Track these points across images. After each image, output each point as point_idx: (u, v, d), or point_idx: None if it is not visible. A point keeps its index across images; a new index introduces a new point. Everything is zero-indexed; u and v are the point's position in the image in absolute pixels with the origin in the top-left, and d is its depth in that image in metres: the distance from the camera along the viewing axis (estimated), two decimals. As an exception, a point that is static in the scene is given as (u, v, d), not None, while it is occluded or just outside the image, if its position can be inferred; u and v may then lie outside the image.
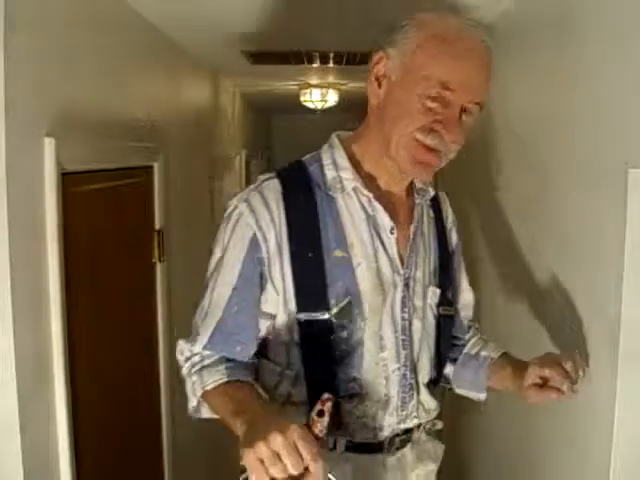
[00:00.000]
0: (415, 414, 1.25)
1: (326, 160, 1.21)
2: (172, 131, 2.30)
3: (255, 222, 1.14)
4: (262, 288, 1.17)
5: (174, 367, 2.20)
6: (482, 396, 1.31)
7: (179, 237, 2.34)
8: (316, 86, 3.86)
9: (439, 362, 1.30)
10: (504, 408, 1.84)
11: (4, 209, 1.10)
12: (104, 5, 1.61)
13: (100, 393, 1.61)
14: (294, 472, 0.88)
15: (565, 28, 1.40)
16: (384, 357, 1.19)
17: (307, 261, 1.15)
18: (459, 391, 1.35)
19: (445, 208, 1.35)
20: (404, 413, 1.23)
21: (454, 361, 1.34)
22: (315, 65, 2.98)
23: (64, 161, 1.28)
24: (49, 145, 1.23)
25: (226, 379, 1.14)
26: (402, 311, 1.21)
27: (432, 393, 1.29)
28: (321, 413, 0.92)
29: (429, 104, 1.11)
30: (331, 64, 2.97)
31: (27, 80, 1.18)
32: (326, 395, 0.94)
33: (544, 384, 1.14)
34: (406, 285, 1.21)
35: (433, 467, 1.37)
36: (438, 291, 1.26)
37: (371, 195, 1.17)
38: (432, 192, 1.29)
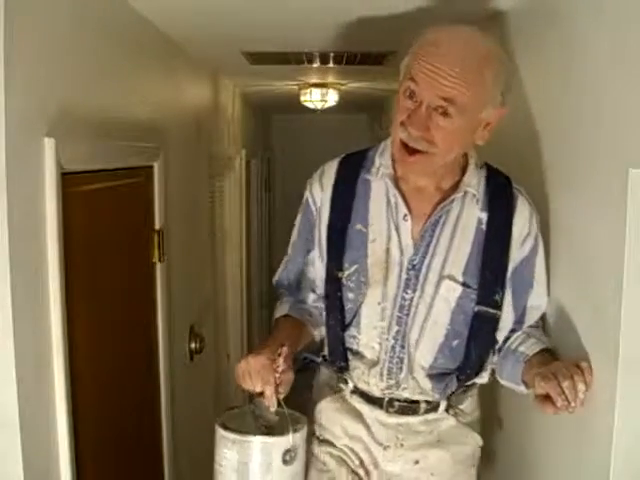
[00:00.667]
0: (405, 386, 1.41)
1: (380, 149, 1.41)
2: (172, 131, 2.30)
3: (310, 190, 1.45)
4: (313, 244, 1.45)
5: (174, 367, 2.21)
6: (522, 389, 1.38)
7: (179, 237, 2.35)
8: (316, 86, 3.86)
9: (469, 357, 1.40)
10: (501, 407, 1.84)
11: (4, 209, 1.10)
12: (104, 5, 1.61)
13: (100, 393, 1.61)
14: (256, 390, 1.21)
15: (564, 28, 1.40)
16: (382, 325, 1.38)
17: (336, 228, 1.39)
18: (502, 382, 1.46)
19: (519, 216, 1.39)
20: (392, 382, 1.41)
21: (499, 351, 1.45)
22: (315, 65, 2.98)
23: (64, 161, 1.28)
24: (49, 145, 1.23)
25: (285, 313, 1.43)
26: (404, 291, 1.37)
27: (432, 377, 1.41)
28: (279, 354, 1.22)
29: (404, 101, 1.25)
30: (331, 64, 2.97)
31: (27, 80, 1.18)
32: (285, 343, 1.24)
33: (548, 395, 1.18)
34: (413, 269, 1.35)
35: (445, 455, 1.47)
36: (459, 288, 1.36)
37: (393, 184, 1.36)
38: (473, 192, 1.37)
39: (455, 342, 1.39)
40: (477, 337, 1.39)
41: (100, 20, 1.58)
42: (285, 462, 1.20)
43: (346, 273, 1.38)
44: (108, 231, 1.67)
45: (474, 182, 1.38)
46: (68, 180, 1.32)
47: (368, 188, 1.39)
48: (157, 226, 2.06)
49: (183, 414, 2.41)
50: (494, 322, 1.40)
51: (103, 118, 1.58)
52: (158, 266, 2.08)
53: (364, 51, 2.65)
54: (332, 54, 2.73)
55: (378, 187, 1.38)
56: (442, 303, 1.36)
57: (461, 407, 1.48)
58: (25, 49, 1.17)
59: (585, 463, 1.27)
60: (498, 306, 1.38)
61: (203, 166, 2.93)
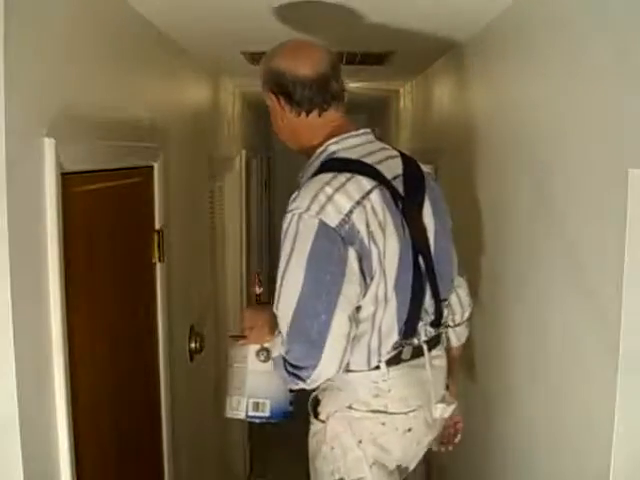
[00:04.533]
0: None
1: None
2: (172, 131, 2.30)
3: None
4: None
5: (174, 367, 2.20)
6: None
7: (179, 237, 2.35)
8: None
9: None
10: (501, 407, 1.84)
11: (4, 209, 1.10)
12: (104, 5, 1.61)
13: (100, 393, 1.61)
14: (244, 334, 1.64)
15: (564, 28, 1.40)
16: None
17: None
18: None
19: None
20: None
21: None
22: (315, 65, 2.98)
23: (64, 161, 1.28)
24: (49, 145, 1.23)
25: None
26: None
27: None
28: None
29: None
30: (331, 64, 2.96)
31: (27, 80, 1.18)
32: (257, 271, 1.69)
33: None
34: None
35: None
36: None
37: None
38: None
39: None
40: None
41: (100, 20, 1.58)
42: (258, 356, 1.62)
43: None
44: (108, 231, 1.67)
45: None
46: (68, 180, 1.32)
47: None
48: (157, 226, 2.06)
49: (183, 414, 2.40)
50: None
51: (103, 118, 1.58)
52: (158, 266, 2.08)
53: (364, 51, 2.65)
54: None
55: None
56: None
57: None
58: (25, 49, 1.17)
59: (585, 463, 1.27)
60: None
61: (203, 166, 2.93)
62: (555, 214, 1.45)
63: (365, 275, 1.39)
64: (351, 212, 1.36)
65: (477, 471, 2.15)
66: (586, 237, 1.28)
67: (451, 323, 1.70)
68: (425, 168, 1.64)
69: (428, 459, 3.08)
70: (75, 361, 1.35)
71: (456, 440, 1.77)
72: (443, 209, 1.62)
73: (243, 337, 1.65)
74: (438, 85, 2.93)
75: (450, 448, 1.76)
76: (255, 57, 2.72)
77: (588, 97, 1.28)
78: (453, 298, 1.68)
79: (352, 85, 3.86)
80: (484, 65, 2.13)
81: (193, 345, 2.53)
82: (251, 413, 1.64)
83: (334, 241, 1.35)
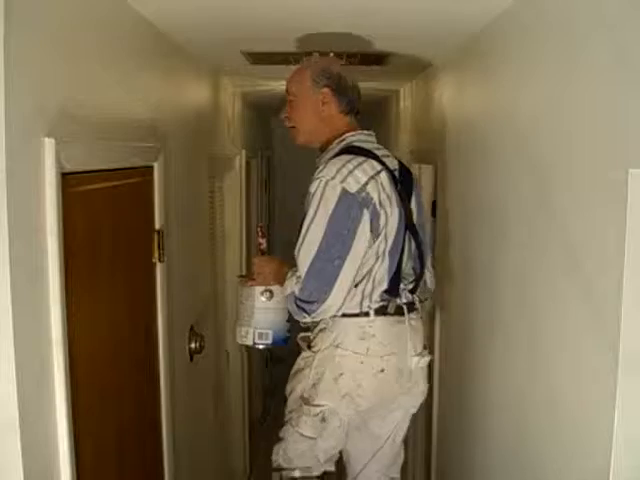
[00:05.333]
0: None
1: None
2: (172, 131, 2.30)
3: None
4: None
5: (174, 367, 2.20)
6: None
7: (179, 237, 2.35)
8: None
9: None
10: (502, 409, 1.84)
11: (4, 209, 1.10)
12: (104, 5, 1.61)
13: (100, 393, 1.61)
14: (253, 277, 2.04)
15: (564, 28, 1.40)
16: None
17: None
18: None
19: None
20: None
21: None
22: (315, 65, 2.98)
23: (64, 161, 1.28)
24: (49, 145, 1.23)
25: None
26: None
27: None
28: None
29: None
30: (331, 64, 2.96)
31: (27, 80, 1.18)
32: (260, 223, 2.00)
33: None
34: None
35: None
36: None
37: None
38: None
39: None
40: None
41: (100, 20, 1.58)
42: (262, 295, 2.01)
43: None
44: (108, 231, 1.67)
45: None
46: (68, 180, 1.32)
47: None
48: (157, 226, 2.06)
49: (183, 414, 2.40)
50: None
51: (103, 118, 1.58)
52: (158, 266, 2.08)
53: (364, 51, 2.65)
54: (332, 54, 2.73)
55: None
56: None
57: None
58: (25, 49, 1.17)
59: (585, 464, 1.27)
60: None
61: (203, 166, 2.93)
62: (555, 214, 1.45)
63: (373, 232, 1.80)
64: (367, 184, 1.79)
65: (477, 471, 2.15)
66: (586, 237, 1.28)
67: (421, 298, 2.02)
68: (413, 171, 2.11)
69: (428, 459, 3.08)
70: (75, 361, 1.35)
71: None
72: (422, 203, 2.09)
73: (251, 279, 2.05)
74: (438, 85, 2.93)
75: None
76: (255, 57, 2.72)
77: (588, 97, 1.28)
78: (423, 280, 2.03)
79: (352, 85, 3.86)
80: (484, 65, 2.13)
81: (193, 345, 2.53)
82: (257, 341, 2.03)
83: (352, 204, 1.76)
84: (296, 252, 1.81)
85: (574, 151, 1.35)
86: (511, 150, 1.79)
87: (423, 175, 3.39)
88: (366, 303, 1.84)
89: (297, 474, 2.02)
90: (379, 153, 1.91)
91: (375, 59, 2.80)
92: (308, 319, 1.83)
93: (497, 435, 1.92)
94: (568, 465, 1.37)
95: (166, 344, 2.12)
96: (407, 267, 1.93)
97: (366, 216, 1.76)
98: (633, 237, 1.06)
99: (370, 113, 6.16)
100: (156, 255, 2.05)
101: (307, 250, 1.77)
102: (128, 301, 1.86)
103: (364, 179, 1.78)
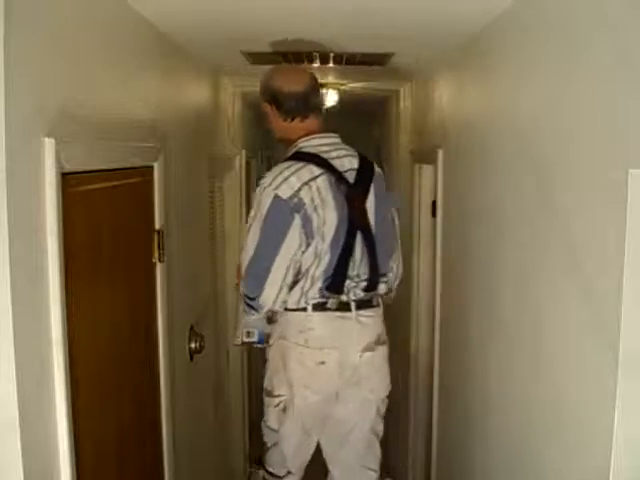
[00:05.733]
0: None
1: None
2: (172, 131, 2.30)
3: None
4: None
5: (174, 367, 2.20)
6: None
7: (179, 237, 2.35)
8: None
9: None
10: (502, 409, 1.84)
11: (4, 209, 1.10)
12: (104, 5, 1.61)
13: (100, 393, 1.61)
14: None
15: (564, 28, 1.40)
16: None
17: None
18: None
19: None
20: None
21: None
22: (315, 65, 2.98)
23: (64, 161, 1.28)
24: (49, 145, 1.23)
25: None
26: None
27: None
28: None
29: None
30: (331, 64, 2.97)
31: (27, 80, 1.18)
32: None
33: None
34: None
35: None
36: None
37: None
38: None
39: None
40: None
41: (100, 20, 1.58)
42: None
43: None
44: (108, 231, 1.67)
45: None
46: (68, 180, 1.32)
47: None
48: (157, 226, 2.06)
49: (183, 414, 2.41)
50: None
51: (103, 118, 1.58)
52: (158, 266, 2.08)
53: (364, 51, 2.66)
54: (332, 54, 2.73)
55: None
56: None
57: None
58: (25, 49, 1.17)
59: (585, 463, 1.27)
60: None
61: (203, 166, 2.93)
62: (555, 214, 1.45)
63: (307, 235, 1.92)
64: (300, 189, 1.91)
65: (477, 471, 2.15)
66: (586, 237, 1.28)
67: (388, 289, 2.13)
68: (377, 169, 2.13)
69: (428, 459, 3.08)
70: (75, 361, 1.35)
71: None
72: (386, 202, 2.10)
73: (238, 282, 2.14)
74: (438, 85, 2.93)
75: None
76: (255, 57, 2.72)
77: (588, 97, 1.28)
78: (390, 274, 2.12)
79: (352, 85, 3.87)
80: (484, 65, 2.13)
81: (193, 345, 2.54)
82: (245, 339, 2.22)
83: (284, 209, 1.90)
84: (240, 255, 2.03)
85: (574, 151, 1.35)
86: (511, 150, 1.79)
87: (423, 175, 3.39)
88: (304, 299, 1.98)
89: (268, 469, 2.20)
90: (332, 155, 2.01)
91: (375, 59, 2.81)
92: (256, 314, 2.02)
93: (497, 435, 1.93)
94: (568, 465, 1.37)
95: (166, 344, 2.12)
96: (358, 266, 2.01)
97: (297, 220, 1.90)
98: (633, 237, 1.06)
99: (370, 113, 6.16)
100: (156, 255, 2.05)
101: (246, 252, 1.97)
102: (128, 301, 1.86)
103: (297, 185, 1.90)
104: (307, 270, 1.96)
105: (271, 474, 2.20)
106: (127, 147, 1.78)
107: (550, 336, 1.47)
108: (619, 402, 1.10)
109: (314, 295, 1.98)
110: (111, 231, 1.69)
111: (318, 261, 1.95)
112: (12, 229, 1.11)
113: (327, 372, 2.01)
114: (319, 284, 1.96)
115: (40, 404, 1.24)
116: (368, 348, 2.03)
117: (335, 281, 1.98)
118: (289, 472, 2.17)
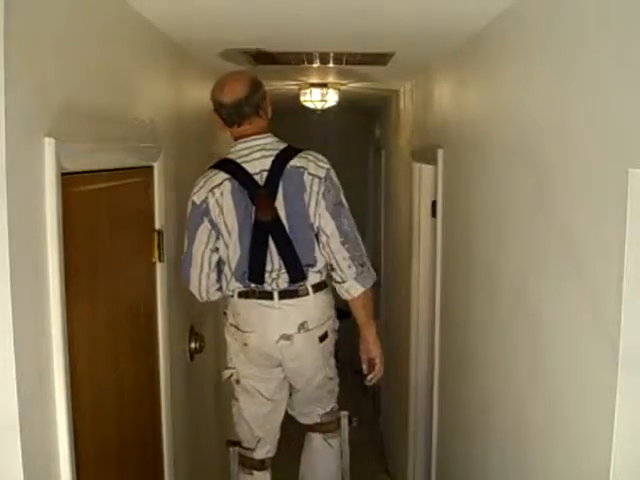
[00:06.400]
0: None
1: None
2: (172, 131, 2.30)
3: None
4: None
5: (174, 367, 2.20)
6: None
7: (179, 237, 2.35)
8: (316, 86, 3.87)
9: None
10: (501, 407, 1.84)
11: (4, 209, 1.10)
12: (104, 5, 1.61)
13: (100, 393, 1.61)
14: None
15: (564, 28, 1.40)
16: None
17: None
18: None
19: None
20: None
21: None
22: (315, 65, 2.98)
23: (64, 161, 1.28)
24: (49, 145, 1.23)
25: None
26: None
27: None
28: None
29: None
30: (331, 64, 2.97)
31: (27, 80, 1.18)
32: None
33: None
34: None
35: None
36: None
37: None
38: None
39: None
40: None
41: (100, 20, 1.58)
42: None
43: None
44: (108, 231, 1.67)
45: None
46: (68, 180, 1.32)
47: None
48: (157, 226, 2.06)
49: (183, 414, 2.40)
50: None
51: (103, 118, 1.58)
52: (158, 266, 2.08)
53: (364, 51, 2.66)
54: (332, 54, 2.73)
55: None
56: None
57: None
58: (25, 49, 1.17)
59: (585, 463, 1.27)
60: None
61: (203, 166, 2.93)
62: (555, 214, 1.45)
63: (217, 234, 2.23)
64: (207, 197, 2.20)
65: (477, 471, 2.15)
66: (586, 237, 1.28)
67: (338, 279, 2.26)
68: (300, 161, 2.23)
69: (428, 458, 3.08)
70: (75, 361, 1.36)
71: (374, 374, 2.40)
72: (303, 193, 2.21)
73: None
74: (438, 85, 2.93)
75: (372, 380, 2.43)
76: (255, 57, 2.73)
77: (588, 97, 1.28)
78: (334, 264, 2.24)
79: (352, 85, 3.87)
80: (484, 65, 2.13)
81: (193, 345, 2.54)
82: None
83: (197, 212, 2.22)
84: None
85: (574, 151, 1.35)
86: (511, 150, 1.79)
87: (423, 175, 3.39)
88: (230, 287, 2.28)
89: (242, 444, 2.49)
90: (247, 159, 2.22)
91: (375, 59, 2.81)
92: (200, 300, 2.34)
93: (497, 434, 1.93)
94: (568, 463, 1.37)
95: (166, 344, 2.12)
96: (274, 260, 2.22)
97: (205, 221, 2.21)
98: (633, 237, 1.06)
99: (370, 113, 6.16)
100: (156, 255, 2.05)
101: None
102: (128, 301, 1.86)
103: (205, 194, 2.20)
104: (225, 263, 2.26)
105: (244, 448, 2.47)
106: (127, 147, 1.78)
107: (550, 335, 1.47)
108: (619, 401, 1.10)
109: (238, 285, 2.26)
110: (111, 231, 1.69)
111: (232, 255, 2.24)
112: (12, 229, 1.11)
113: (250, 352, 2.31)
114: (238, 275, 2.24)
115: (40, 404, 1.24)
116: (285, 336, 2.26)
117: (253, 273, 2.22)
118: (259, 440, 2.45)
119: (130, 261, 1.88)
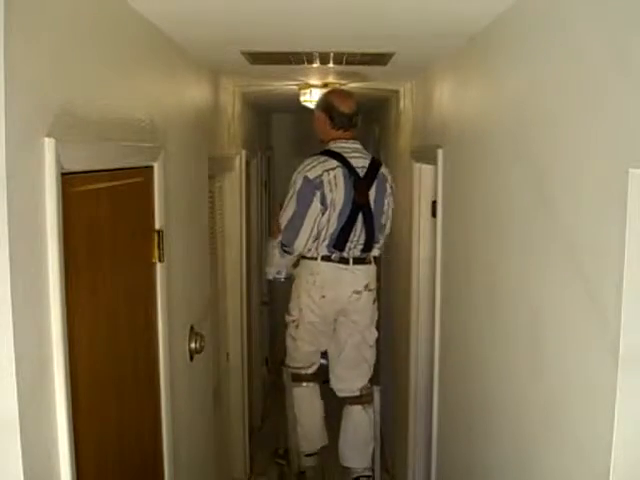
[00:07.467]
0: None
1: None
2: (172, 131, 2.30)
3: None
4: None
5: (174, 367, 2.20)
6: None
7: (179, 237, 2.35)
8: (316, 86, 3.86)
9: None
10: (501, 407, 1.84)
11: (4, 209, 1.10)
12: (104, 5, 1.61)
13: (100, 393, 1.61)
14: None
15: (564, 28, 1.40)
16: None
17: None
18: None
19: None
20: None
21: None
22: (315, 65, 2.99)
23: (64, 161, 1.28)
24: (49, 145, 1.23)
25: None
26: None
27: None
28: None
29: None
30: (331, 64, 2.97)
31: (27, 80, 1.18)
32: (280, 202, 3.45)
33: None
34: None
35: None
36: None
37: None
38: None
39: None
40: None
41: (100, 20, 1.58)
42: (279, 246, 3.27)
43: None
44: (108, 231, 1.67)
45: None
46: (68, 180, 1.32)
47: None
48: (157, 226, 2.06)
49: (183, 414, 2.40)
50: None
51: (103, 118, 1.58)
52: (158, 266, 2.08)
53: (364, 51, 2.66)
54: (332, 54, 2.73)
55: None
56: None
57: None
58: (25, 49, 1.17)
59: (585, 463, 1.27)
60: None
61: (203, 166, 2.93)
62: (555, 214, 1.45)
63: (323, 205, 3.02)
64: (321, 175, 3.02)
65: (477, 471, 2.15)
66: (586, 237, 1.28)
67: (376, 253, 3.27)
68: (385, 170, 3.25)
69: (428, 458, 3.08)
70: (75, 361, 1.36)
71: None
72: (384, 194, 3.20)
73: (275, 234, 3.24)
74: (438, 85, 2.93)
75: None
76: (255, 57, 2.73)
77: (588, 97, 1.28)
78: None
79: (352, 85, 3.87)
80: (484, 65, 2.13)
81: (193, 345, 2.53)
82: (276, 276, 3.41)
83: (310, 186, 3.01)
84: (279, 216, 3.14)
85: (574, 151, 1.35)
86: (512, 150, 1.79)
87: (423, 175, 3.39)
88: (317, 251, 3.09)
89: (295, 365, 3.36)
90: (348, 155, 3.10)
91: (375, 59, 2.81)
92: (289, 256, 3.17)
93: (497, 434, 1.93)
94: (568, 465, 1.37)
95: (166, 344, 2.12)
96: (358, 234, 3.10)
97: (317, 195, 3.00)
98: (633, 237, 1.06)
99: (370, 113, 6.16)
100: (156, 255, 2.05)
101: (286, 214, 3.09)
102: (128, 301, 1.86)
103: (320, 172, 3.01)
104: (321, 231, 3.03)
105: (296, 368, 3.34)
106: (127, 147, 1.78)
107: (550, 335, 1.47)
108: (619, 401, 1.10)
109: (323, 250, 3.08)
110: (111, 231, 1.69)
111: (329, 225, 3.04)
112: (12, 229, 1.11)
113: (326, 303, 3.15)
114: (327, 242, 3.05)
115: (40, 404, 1.24)
116: (356, 292, 3.15)
117: (339, 242, 3.06)
118: (312, 364, 3.36)
119: (130, 261, 1.88)
